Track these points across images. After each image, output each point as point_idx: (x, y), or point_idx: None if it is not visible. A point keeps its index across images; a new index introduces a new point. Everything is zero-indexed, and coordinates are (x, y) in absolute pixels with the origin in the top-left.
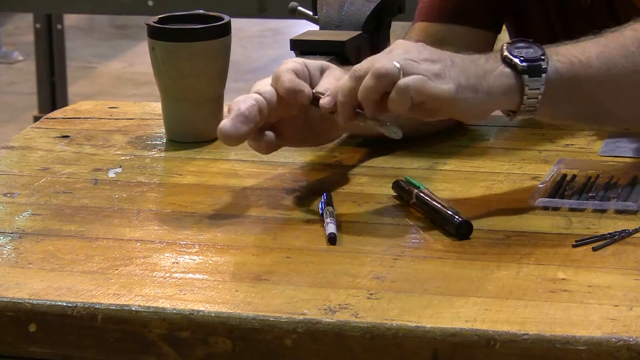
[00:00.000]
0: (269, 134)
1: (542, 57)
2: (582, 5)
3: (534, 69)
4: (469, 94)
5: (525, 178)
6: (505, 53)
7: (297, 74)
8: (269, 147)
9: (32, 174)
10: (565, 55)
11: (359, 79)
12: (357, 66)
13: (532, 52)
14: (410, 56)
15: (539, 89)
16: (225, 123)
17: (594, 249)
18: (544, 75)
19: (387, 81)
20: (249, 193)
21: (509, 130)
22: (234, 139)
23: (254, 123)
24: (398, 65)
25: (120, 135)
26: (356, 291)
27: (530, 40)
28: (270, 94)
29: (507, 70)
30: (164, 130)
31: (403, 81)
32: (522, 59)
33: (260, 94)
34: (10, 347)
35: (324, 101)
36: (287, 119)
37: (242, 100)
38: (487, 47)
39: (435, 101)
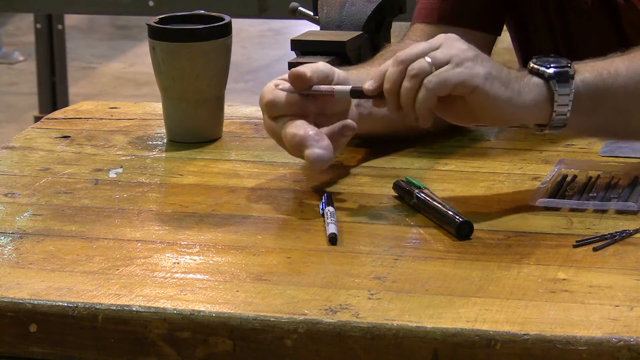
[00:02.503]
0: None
1: (569, 65)
2: (583, 7)
3: (562, 74)
4: (499, 87)
5: (525, 178)
6: (532, 65)
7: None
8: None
9: (32, 174)
10: (593, 67)
11: (403, 63)
12: (401, 53)
13: (558, 62)
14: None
15: (568, 94)
16: (312, 152)
17: (595, 249)
18: (572, 81)
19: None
20: (249, 193)
21: (510, 130)
22: (329, 158)
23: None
24: (429, 60)
25: (121, 136)
26: (357, 291)
27: (556, 55)
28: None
29: (536, 79)
30: (164, 131)
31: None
32: (549, 66)
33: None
34: (10, 347)
35: (369, 85)
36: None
37: (295, 129)
38: (486, 49)
39: (464, 86)
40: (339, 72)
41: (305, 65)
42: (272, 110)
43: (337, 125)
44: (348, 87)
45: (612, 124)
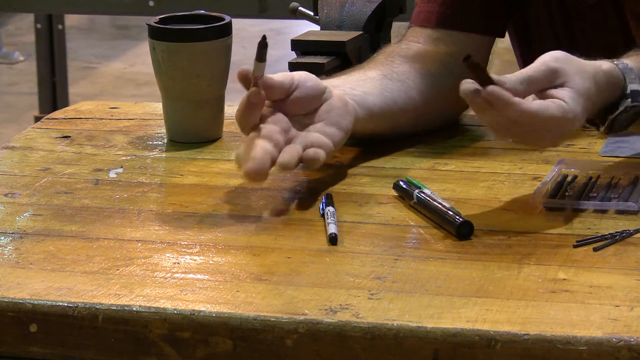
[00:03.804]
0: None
1: None
2: (589, 2)
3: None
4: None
5: (526, 178)
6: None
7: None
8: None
9: (33, 174)
10: None
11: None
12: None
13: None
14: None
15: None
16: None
17: (595, 249)
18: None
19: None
20: (249, 193)
21: None
22: (262, 174)
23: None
24: None
25: (121, 136)
26: (357, 291)
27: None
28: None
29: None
30: (164, 131)
31: None
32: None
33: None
34: (11, 348)
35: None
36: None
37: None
38: (485, 51)
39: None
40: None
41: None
42: (242, 129)
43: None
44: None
45: None
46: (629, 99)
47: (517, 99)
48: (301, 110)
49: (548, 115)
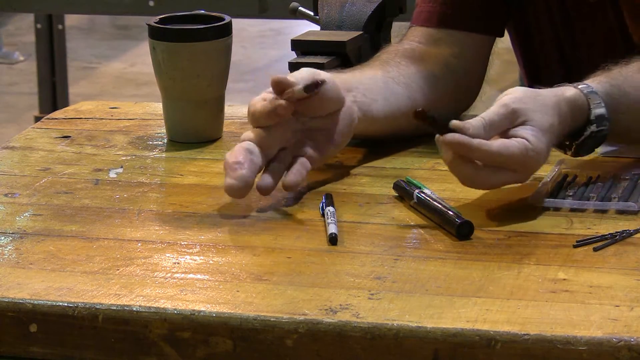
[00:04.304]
0: (265, 178)
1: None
2: (588, 1)
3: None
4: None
5: None
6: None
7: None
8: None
9: (33, 175)
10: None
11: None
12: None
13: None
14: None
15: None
16: (225, 180)
17: (595, 250)
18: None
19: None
20: (249, 193)
21: None
22: (240, 189)
23: (252, 164)
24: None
25: (121, 136)
26: (357, 291)
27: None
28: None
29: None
30: (164, 131)
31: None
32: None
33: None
34: (11, 348)
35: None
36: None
37: (228, 155)
38: (486, 50)
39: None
40: (325, 75)
41: (292, 74)
42: (253, 122)
43: (295, 162)
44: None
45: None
46: (594, 124)
47: (476, 141)
48: (317, 113)
49: (508, 154)
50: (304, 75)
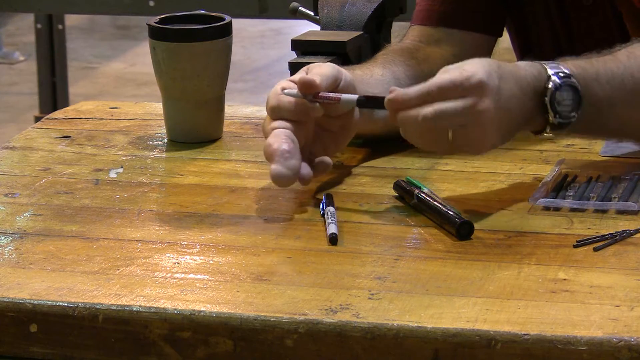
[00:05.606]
0: (305, 167)
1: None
2: (584, 4)
3: (564, 124)
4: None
5: (526, 178)
6: (547, 100)
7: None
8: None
9: (33, 175)
10: (595, 96)
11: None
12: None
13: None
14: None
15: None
16: (275, 168)
17: (595, 250)
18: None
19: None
20: (250, 193)
21: None
22: (290, 178)
23: (298, 152)
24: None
25: (122, 136)
26: (357, 291)
27: (573, 85)
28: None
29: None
30: (165, 131)
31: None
32: (558, 115)
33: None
34: (11, 348)
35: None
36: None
37: (272, 140)
38: (487, 50)
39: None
40: (345, 74)
41: (313, 71)
42: (276, 115)
43: (316, 161)
44: (354, 97)
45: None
46: (554, 77)
47: (413, 89)
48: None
49: (448, 79)
50: (326, 72)
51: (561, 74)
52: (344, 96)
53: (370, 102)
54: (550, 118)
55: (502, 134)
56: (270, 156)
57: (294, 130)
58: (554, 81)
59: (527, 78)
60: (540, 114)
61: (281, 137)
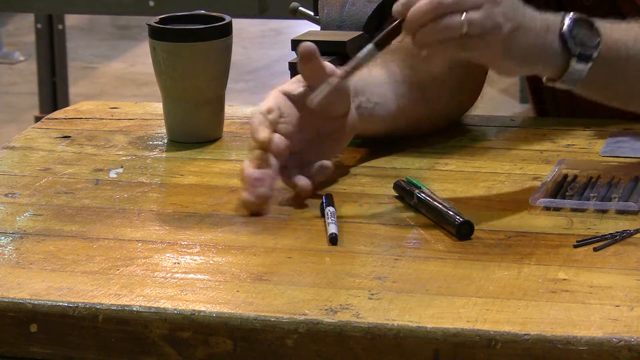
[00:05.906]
0: (301, 179)
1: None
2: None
3: (585, 56)
4: (518, 63)
5: (526, 178)
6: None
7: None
8: (308, 192)
9: (33, 175)
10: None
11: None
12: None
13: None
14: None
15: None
16: (244, 195)
17: (595, 250)
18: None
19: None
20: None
21: (510, 130)
22: (259, 206)
23: (271, 177)
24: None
25: (122, 136)
26: (357, 291)
27: (589, 21)
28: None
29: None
30: (165, 131)
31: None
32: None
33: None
34: (11, 348)
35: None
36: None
37: (246, 164)
38: None
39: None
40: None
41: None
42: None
43: (315, 166)
44: (369, 45)
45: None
46: (569, 15)
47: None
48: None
49: None
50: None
51: (576, 15)
52: (360, 53)
53: (388, 37)
54: (570, 46)
55: (520, 52)
56: (242, 181)
57: (290, 140)
58: (570, 16)
59: (543, 14)
60: (561, 49)
61: (255, 163)
